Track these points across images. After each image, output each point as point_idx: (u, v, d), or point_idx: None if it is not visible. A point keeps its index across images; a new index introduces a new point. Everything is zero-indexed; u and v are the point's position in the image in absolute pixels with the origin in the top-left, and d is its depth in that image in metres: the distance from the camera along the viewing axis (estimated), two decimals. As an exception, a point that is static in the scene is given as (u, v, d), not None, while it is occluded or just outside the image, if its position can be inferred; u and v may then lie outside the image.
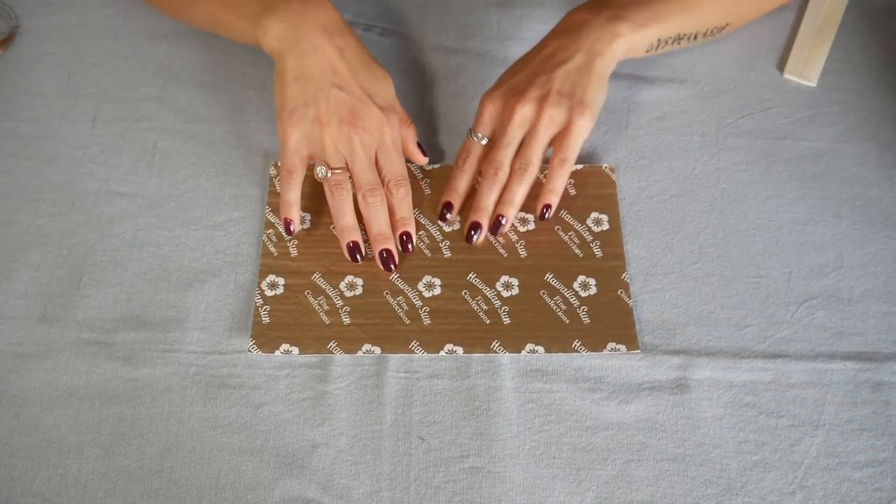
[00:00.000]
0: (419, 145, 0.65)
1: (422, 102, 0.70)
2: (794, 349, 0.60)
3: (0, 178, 0.65)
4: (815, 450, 0.56)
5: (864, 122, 0.71)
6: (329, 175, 0.61)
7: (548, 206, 0.63)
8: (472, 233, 0.63)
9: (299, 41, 0.60)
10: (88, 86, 0.70)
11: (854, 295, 0.62)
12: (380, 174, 0.62)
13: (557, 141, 0.63)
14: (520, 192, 0.63)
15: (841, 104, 0.72)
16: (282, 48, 0.61)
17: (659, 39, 0.67)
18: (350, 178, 0.62)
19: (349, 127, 0.60)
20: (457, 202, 0.64)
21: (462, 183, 0.64)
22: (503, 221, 0.63)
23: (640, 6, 0.65)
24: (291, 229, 0.62)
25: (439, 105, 0.70)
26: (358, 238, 0.61)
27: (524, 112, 0.62)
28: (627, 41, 0.64)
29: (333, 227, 0.63)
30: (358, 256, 0.61)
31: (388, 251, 0.61)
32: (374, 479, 0.54)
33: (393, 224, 0.62)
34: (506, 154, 0.62)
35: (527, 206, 0.64)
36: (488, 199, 0.63)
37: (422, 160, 0.65)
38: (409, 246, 0.62)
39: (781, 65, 0.74)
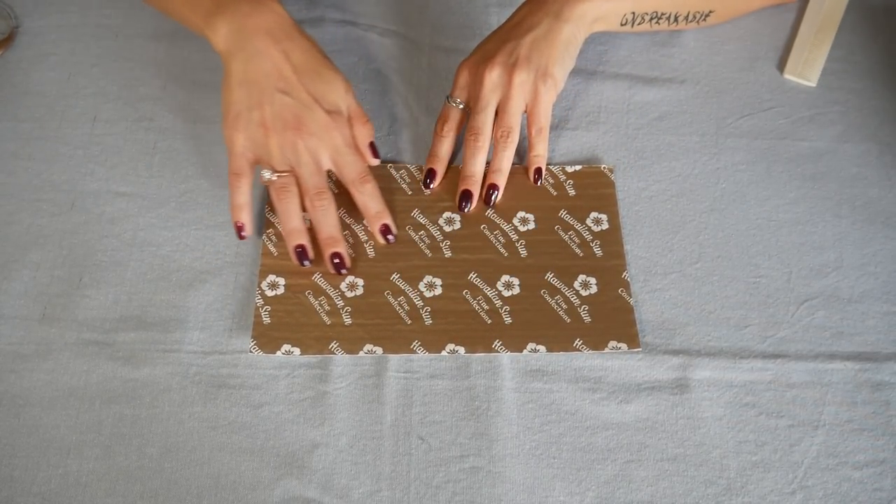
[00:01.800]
0: (372, 145, 0.63)
1: (422, 102, 0.70)
2: (794, 349, 0.60)
3: (0, 178, 0.65)
4: (815, 450, 0.56)
5: (864, 122, 0.71)
6: (274, 178, 0.60)
7: (538, 170, 0.65)
8: (464, 203, 0.64)
9: (245, 44, 0.59)
10: (88, 86, 0.70)
11: (854, 295, 0.62)
12: (342, 177, 0.61)
13: (529, 111, 0.64)
14: (506, 159, 0.64)
15: (841, 104, 0.72)
16: (228, 50, 0.59)
17: (633, 13, 0.67)
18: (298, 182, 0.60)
19: (294, 132, 0.59)
20: (439, 168, 0.65)
21: (442, 148, 0.65)
22: (494, 192, 0.64)
23: None
24: (243, 234, 0.61)
25: (439, 105, 0.70)
26: (305, 241, 0.60)
27: (493, 77, 0.63)
28: (596, 8, 0.65)
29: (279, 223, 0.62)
30: (306, 261, 0.60)
31: (339, 254, 0.60)
32: (374, 479, 0.54)
33: (369, 220, 0.62)
34: (482, 119, 0.64)
35: (527, 206, 0.64)
36: (473, 166, 0.64)
37: (371, 161, 0.63)
38: (390, 237, 0.62)
39: (781, 65, 0.74)
